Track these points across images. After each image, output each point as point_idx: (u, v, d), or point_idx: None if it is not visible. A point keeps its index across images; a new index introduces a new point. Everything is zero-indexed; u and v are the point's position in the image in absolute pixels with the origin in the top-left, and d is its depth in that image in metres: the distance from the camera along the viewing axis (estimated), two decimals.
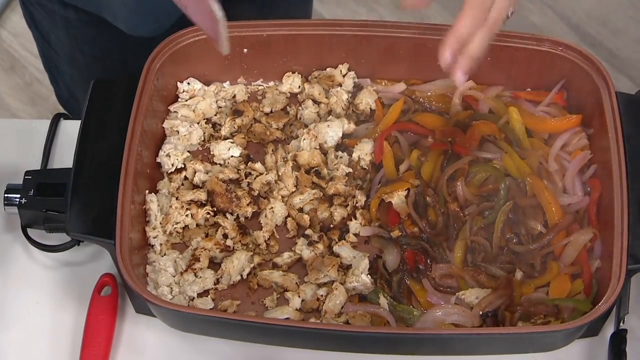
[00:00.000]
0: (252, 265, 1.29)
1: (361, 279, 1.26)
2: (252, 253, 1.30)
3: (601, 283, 1.23)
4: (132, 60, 1.34)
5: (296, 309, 1.26)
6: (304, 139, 1.37)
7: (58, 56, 1.63)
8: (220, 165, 1.37)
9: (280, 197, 1.34)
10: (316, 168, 1.35)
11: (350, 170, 1.35)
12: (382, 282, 1.27)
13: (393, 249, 1.29)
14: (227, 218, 1.32)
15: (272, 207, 1.32)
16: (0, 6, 2.77)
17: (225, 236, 1.31)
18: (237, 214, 1.32)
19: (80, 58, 1.58)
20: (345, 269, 1.29)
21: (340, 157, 1.37)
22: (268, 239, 1.31)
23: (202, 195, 1.33)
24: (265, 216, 1.33)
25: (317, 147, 1.37)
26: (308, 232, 1.32)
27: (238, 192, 1.33)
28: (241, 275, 1.29)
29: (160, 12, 1.40)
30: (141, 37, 1.42)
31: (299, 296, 1.27)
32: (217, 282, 1.29)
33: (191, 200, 1.32)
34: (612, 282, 1.17)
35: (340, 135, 1.38)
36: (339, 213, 1.33)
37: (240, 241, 1.30)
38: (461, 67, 1.13)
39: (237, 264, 1.28)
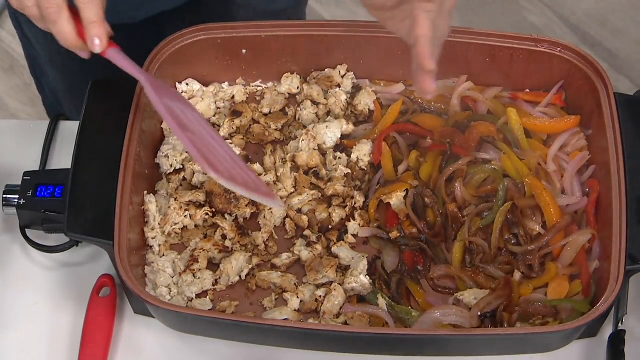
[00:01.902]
0: (250, 266, 1.29)
1: (360, 279, 1.26)
2: (250, 254, 1.30)
3: (600, 284, 1.23)
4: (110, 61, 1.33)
5: (295, 310, 1.26)
6: (303, 140, 1.36)
7: (40, 57, 1.62)
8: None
9: (279, 198, 1.34)
10: (315, 169, 1.35)
11: (349, 171, 1.35)
12: (381, 282, 1.27)
13: (392, 249, 1.29)
14: (225, 219, 1.31)
15: (270, 208, 1.32)
16: (0, 7, 2.77)
17: (224, 237, 1.31)
18: (236, 215, 1.32)
19: (59, 58, 1.57)
20: (343, 269, 1.29)
21: (339, 158, 1.37)
22: (267, 239, 1.31)
23: (200, 196, 1.32)
24: (264, 217, 1.33)
25: (316, 147, 1.37)
26: (306, 233, 1.32)
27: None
28: (240, 276, 1.29)
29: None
30: (119, 36, 1.41)
31: (298, 297, 1.27)
32: (216, 282, 1.29)
33: (190, 201, 1.32)
34: (611, 282, 1.17)
35: (339, 136, 1.38)
36: (337, 214, 1.33)
37: (239, 242, 1.30)
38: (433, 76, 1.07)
39: (236, 265, 1.28)
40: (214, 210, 1.32)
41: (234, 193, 1.32)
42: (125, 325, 1.30)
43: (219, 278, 1.28)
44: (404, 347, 1.24)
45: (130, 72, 1.15)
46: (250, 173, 1.17)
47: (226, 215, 1.32)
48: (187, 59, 1.39)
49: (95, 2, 1.08)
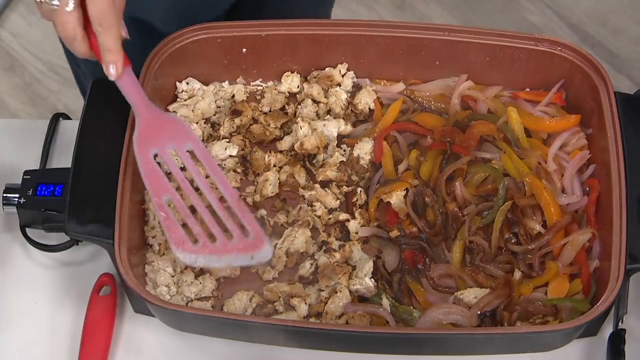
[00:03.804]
0: (254, 305, 1.27)
1: (365, 282, 1.25)
2: (252, 293, 1.27)
3: (600, 283, 1.23)
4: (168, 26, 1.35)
5: (303, 317, 1.25)
6: (302, 127, 1.35)
7: None
8: (219, 165, 1.36)
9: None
10: (314, 155, 1.34)
11: (344, 159, 1.34)
12: (383, 282, 1.27)
13: (392, 249, 1.29)
14: None
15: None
16: (0, 6, 2.77)
17: None
18: None
19: None
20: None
21: (341, 147, 1.36)
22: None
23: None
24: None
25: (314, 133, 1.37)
26: (330, 239, 1.31)
27: None
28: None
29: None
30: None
31: (306, 302, 1.25)
32: (217, 288, 1.28)
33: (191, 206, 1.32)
34: (611, 281, 1.17)
35: (335, 135, 1.38)
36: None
37: None
38: None
39: (239, 305, 1.27)
40: None
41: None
42: (126, 324, 1.30)
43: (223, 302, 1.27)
44: (404, 346, 1.24)
45: (133, 102, 1.20)
46: (246, 220, 1.18)
47: None
48: (188, 57, 1.39)
49: (113, 29, 1.11)
